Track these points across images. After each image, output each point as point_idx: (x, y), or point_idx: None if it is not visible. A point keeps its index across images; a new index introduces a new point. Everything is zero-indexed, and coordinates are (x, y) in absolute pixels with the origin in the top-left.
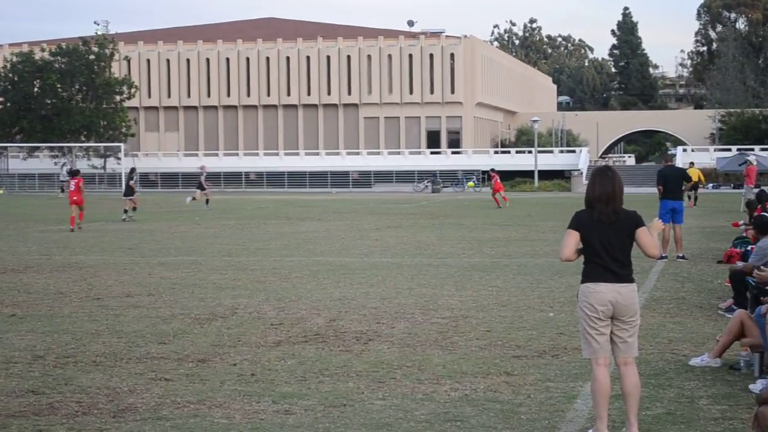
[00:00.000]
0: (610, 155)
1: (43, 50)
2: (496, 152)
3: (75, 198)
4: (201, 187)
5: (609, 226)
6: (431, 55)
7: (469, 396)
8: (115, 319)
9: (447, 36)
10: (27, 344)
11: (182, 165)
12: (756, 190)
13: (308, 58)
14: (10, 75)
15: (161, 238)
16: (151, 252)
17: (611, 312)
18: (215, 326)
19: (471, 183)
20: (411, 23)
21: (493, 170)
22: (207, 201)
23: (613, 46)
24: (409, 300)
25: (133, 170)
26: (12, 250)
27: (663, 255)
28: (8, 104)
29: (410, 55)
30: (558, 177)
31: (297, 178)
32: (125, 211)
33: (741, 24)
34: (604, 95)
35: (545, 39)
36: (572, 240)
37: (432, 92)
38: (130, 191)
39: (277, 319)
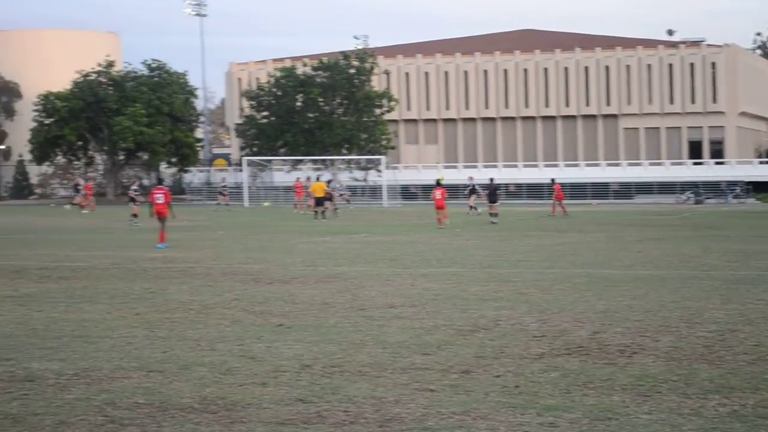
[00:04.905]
0: None
1: (305, 65)
2: (760, 162)
3: (439, 204)
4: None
5: None
6: (692, 65)
7: (738, 412)
8: (379, 329)
9: (708, 45)
10: (294, 353)
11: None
12: None
13: (566, 69)
14: (274, 90)
15: (423, 250)
16: (413, 263)
17: None
18: (478, 337)
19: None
20: (671, 32)
21: (553, 180)
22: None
23: None
24: (674, 313)
25: (492, 180)
26: (279, 262)
27: None
28: (273, 118)
29: (670, 65)
30: None
31: None
32: (495, 215)
33: None
34: None
35: None
36: None
37: (693, 102)
38: (494, 198)
39: (539, 331)
